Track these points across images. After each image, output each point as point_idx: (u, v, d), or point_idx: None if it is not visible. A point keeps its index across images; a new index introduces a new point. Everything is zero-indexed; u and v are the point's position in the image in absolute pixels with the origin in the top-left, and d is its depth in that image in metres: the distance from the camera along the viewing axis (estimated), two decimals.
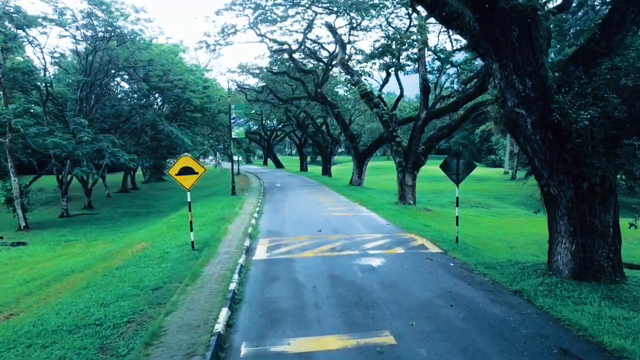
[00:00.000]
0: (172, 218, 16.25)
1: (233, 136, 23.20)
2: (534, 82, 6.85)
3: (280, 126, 61.83)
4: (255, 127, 66.83)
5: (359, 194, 24.14)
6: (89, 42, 19.88)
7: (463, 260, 8.86)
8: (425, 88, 19.17)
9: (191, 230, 10.14)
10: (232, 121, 23.07)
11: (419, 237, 11.28)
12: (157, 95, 24.70)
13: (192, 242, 10.06)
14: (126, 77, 25.20)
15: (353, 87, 24.58)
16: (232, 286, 7.08)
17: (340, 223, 13.69)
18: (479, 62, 31.26)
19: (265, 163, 71.81)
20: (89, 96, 20.58)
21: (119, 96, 25.29)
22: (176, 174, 9.96)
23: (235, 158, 26.36)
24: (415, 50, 24.72)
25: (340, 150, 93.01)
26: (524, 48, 6.75)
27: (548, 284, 6.80)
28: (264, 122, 58.37)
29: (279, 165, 60.90)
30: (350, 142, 29.37)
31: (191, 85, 23.85)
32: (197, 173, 10.13)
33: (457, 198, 10.97)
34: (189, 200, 10.28)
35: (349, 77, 23.39)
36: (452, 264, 8.64)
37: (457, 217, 10.83)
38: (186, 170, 10.04)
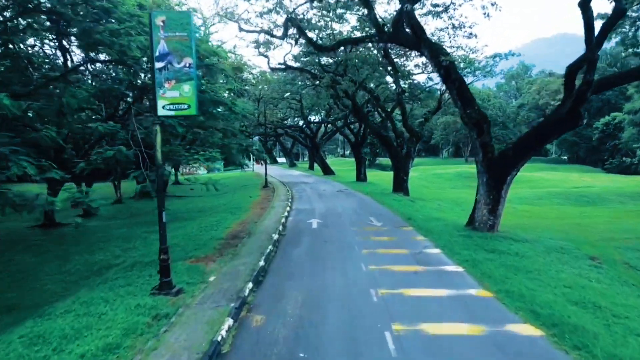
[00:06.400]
0: None
1: (162, 111, 7.69)
2: None
3: (329, 119, 45.85)
4: (297, 121, 51.68)
5: (550, 294, 7.37)
6: None
7: None
8: None
9: None
10: (159, 65, 7.50)
11: None
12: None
13: None
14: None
15: None
16: None
17: None
18: None
19: (310, 167, 56.26)
20: None
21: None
22: None
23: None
24: None
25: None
26: None
27: None
28: (305, 112, 42.84)
29: (327, 171, 45.00)
30: (475, 134, 12.60)
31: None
32: None
33: None
34: None
35: None
36: None
37: None
38: None
